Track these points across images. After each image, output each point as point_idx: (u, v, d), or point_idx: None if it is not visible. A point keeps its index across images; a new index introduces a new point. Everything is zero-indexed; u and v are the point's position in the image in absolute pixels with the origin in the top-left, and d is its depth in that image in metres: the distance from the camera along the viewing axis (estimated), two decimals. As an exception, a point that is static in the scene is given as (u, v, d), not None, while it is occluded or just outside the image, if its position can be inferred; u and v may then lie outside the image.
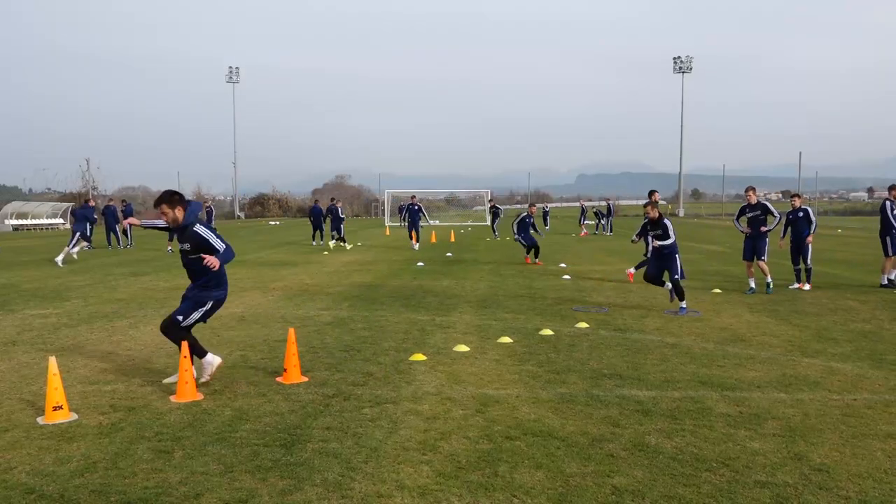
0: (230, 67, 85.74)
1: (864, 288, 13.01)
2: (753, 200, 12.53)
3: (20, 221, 50.02)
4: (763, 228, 12.33)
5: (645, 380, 6.44)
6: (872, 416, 5.37)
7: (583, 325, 9.20)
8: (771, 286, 12.34)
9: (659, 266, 10.77)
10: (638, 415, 5.41)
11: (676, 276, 10.48)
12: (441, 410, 5.54)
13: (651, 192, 13.92)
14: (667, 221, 10.50)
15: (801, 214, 13.03)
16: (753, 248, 12.39)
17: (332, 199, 29.79)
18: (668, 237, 10.45)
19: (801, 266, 12.88)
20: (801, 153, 66.44)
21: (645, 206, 10.96)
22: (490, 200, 29.43)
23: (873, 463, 4.44)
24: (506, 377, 6.57)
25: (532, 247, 18.29)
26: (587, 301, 11.51)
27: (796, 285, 12.83)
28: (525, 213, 19.10)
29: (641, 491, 4.03)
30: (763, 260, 12.30)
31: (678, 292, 10.42)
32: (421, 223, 25.73)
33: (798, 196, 13.52)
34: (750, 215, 12.54)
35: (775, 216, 12.37)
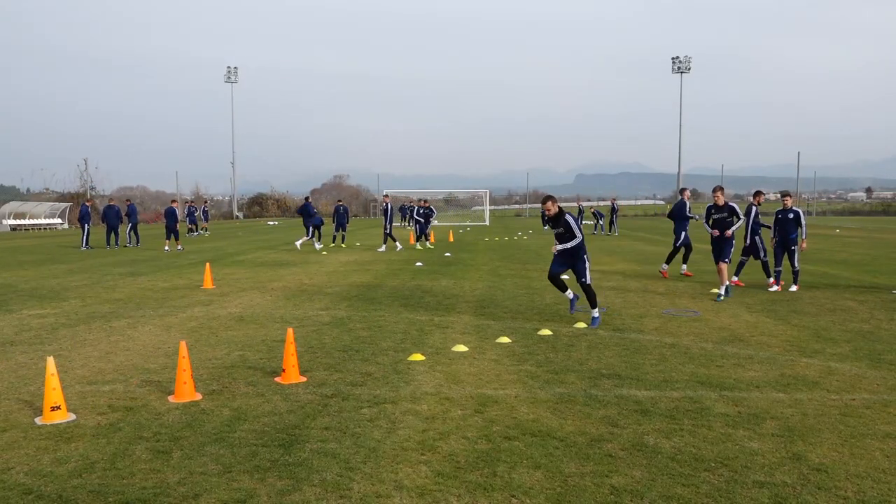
0: (228, 67, 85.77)
1: (862, 288, 13.01)
2: (721, 202, 12.00)
3: (18, 221, 49.97)
4: (727, 232, 11.83)
5: (643, 380, 6.44)
6: (871, 415, 5.37)
7: (581, 325, 9.20)
8: (722, 296, 11.57)
9: (563, 263, 9.57)
10: (636, 415, 5.41)
11: (584, 280, 9.38)
12: (440, 410, 5.54)
13: (757, 193, 13.96)
14: (569, 218, 9.31)
15: (790, 216, 12.76)
16: (720, 250, 11.89)
17: (340, 201, 30.68)
18: (573, 236, 9.25)
19: (785, 268, 12.68)
20: (799, 153, 66.71)
21: (543, 201, 9.54)
22: (426, 201, 27.26)
23: (872, 463, 4.45)
24: (504, 377, 6.57)
25: (686, 247, 15.39)
26: (586, 301, 11.50)
27: (775, 287, 12.64)
28: (680, 200, 15.78)
29: (640, 491, 4.03)
30: (726, 262, 11.72)
31: (590, 298, 9.38)
32: (397, 223, 24.83)
33: (789, 196, 13.25)
34: (716, 216, 12.04)
35: (740, 218, 12.00)
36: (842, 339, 8.32)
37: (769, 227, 13.57)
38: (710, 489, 4.05)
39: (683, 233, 15.14)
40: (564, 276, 10.72)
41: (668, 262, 15.16)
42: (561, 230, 9.38)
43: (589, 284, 9.38)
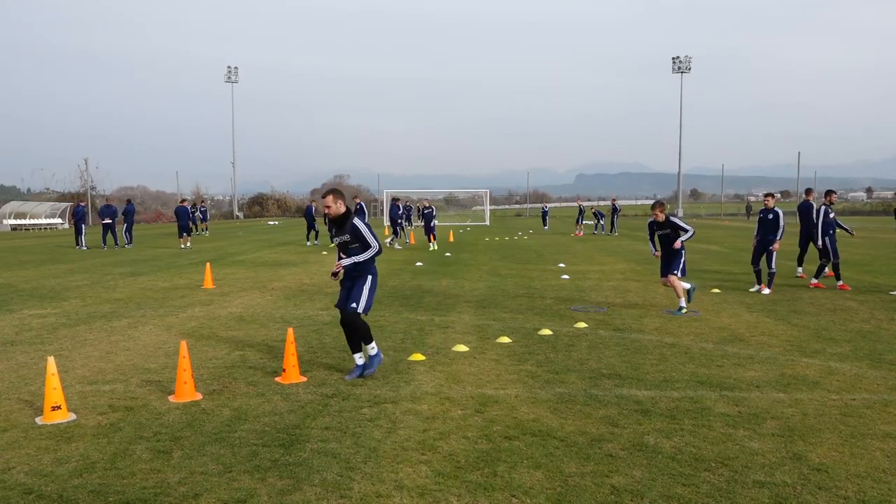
0: (229, 67, 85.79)
1: (862, 288, 13.00)
2: (661, 218, 10.58)
3: (18, 221, 50.01)
4: (676, 245, 10.39)
5: (644, 380, 6.44)
6: (871, 415, 5.37)
7: (581, 324, 9.20)
8: (684, 309, 10.23)
9: (348, 289, 6.74)
10: (637, 414, 5.41)
11: (355, 306, 6.57)
12: (440, 410, 5.54)
13: (829, 192, 13.73)
14: (358, 222, 6.63)
15: (770, 217, 12.45)
16: (667, 262, 10.53)
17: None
18: (367, 246, 6.58)
19: (763, 269, 12.52)
20: (799, 153, 66.62)
21: (324, 195, 6.80)
22: (395, 199, 27.27)
23: (872, 463, 4.45)
24: (505, 377, 6.57)
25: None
26: (586, 301, 11.51)
27: (756, 287, 12.47)
28: (823, 205, 13.63)
29: (640, 491, 4.03)
30: (675, 274, 10.34)
31: (360, 333, 6.66)
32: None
33: (771, 196, 12.85)
34: (660, 233, 10.69)
35: (687, 231, 10.45)
36: (842, 338, 8.31)
37: (845, 229, 13.31)
38: (710, 489, 4.05)
39: (826, 238, 13.26)
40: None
41: (837, 275, 13.27)
42: (347, 238, 6.65)
43: (359, 314, 6.62)
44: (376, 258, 6.72)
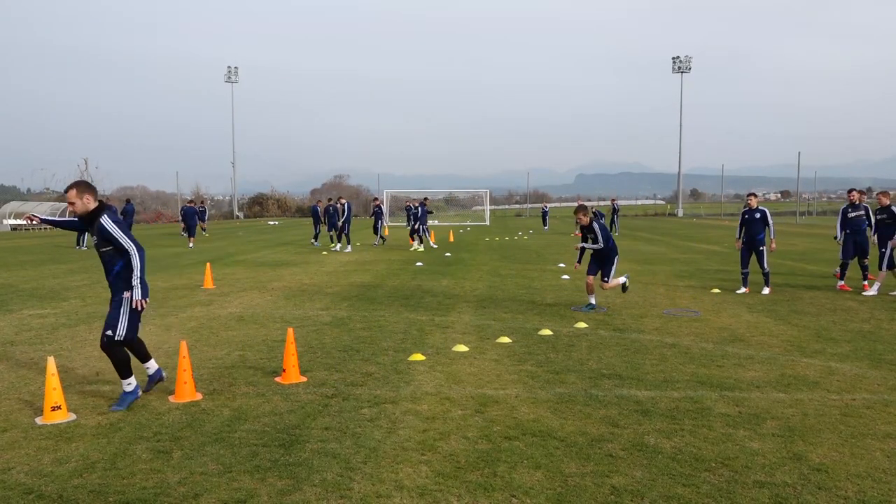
0: (229, 67, 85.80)
1: (862, 288, 13.00)
2: (585, 222, 10.57)
3: (18, 221, 49.99)
4: (590, 245, 10.61)
5: (644, 380, 6.44)
6: (871, 415, 5.37)
7: (582, 325, 9.20)
8: (594, 307, 10.47)
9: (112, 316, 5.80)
10: (637, 415, 5.41)
11: (111, 333, 5.69)
12: (440, 410, 5.54)
13: (850, 191, 13.29)
14: (105, 222, 5.61)
15: (757, 216, 12.32)
16: (598, 264, 10.62)
17: (330, 200, 30.30)
18: (122, 251, 5.67)
19: (753, 270, 12.38)
20: (799, 153, 66.46)
21: (66, 191, 5.75)
22: (424, 199, 27.29)
23: (872, 463, 4.45)
24: (505, 377, 6.57)
25: (843, 255, 13.15)
26: (586, 301, 11.50)
27: (743, 290, 12.33)
28: (846, 205, 13.43)
29: (640, 491, 4.03)
30: (606, 281, 10.51)
31: (116, 364, 5.76)
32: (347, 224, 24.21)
33: (754, 195, 12.81)
34: (586, 232, 10.73)
35: (598, 242, 10.46)
36: (842, 339, 8.31)
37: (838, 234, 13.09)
38: (710, 489, 4.05)
39: (843, 235, 13.27)
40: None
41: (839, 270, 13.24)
42: (109, 249, 5.70)
43: (117, 342, 5.69)
44: (144, 269, 5.74)
